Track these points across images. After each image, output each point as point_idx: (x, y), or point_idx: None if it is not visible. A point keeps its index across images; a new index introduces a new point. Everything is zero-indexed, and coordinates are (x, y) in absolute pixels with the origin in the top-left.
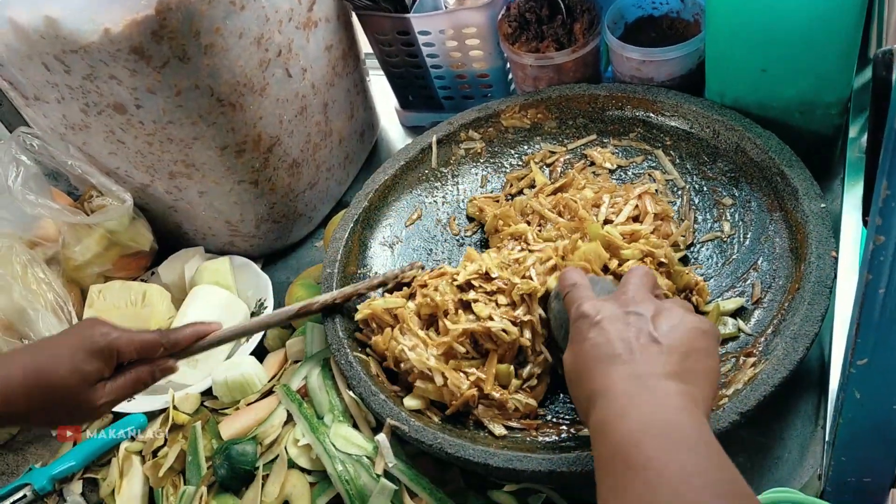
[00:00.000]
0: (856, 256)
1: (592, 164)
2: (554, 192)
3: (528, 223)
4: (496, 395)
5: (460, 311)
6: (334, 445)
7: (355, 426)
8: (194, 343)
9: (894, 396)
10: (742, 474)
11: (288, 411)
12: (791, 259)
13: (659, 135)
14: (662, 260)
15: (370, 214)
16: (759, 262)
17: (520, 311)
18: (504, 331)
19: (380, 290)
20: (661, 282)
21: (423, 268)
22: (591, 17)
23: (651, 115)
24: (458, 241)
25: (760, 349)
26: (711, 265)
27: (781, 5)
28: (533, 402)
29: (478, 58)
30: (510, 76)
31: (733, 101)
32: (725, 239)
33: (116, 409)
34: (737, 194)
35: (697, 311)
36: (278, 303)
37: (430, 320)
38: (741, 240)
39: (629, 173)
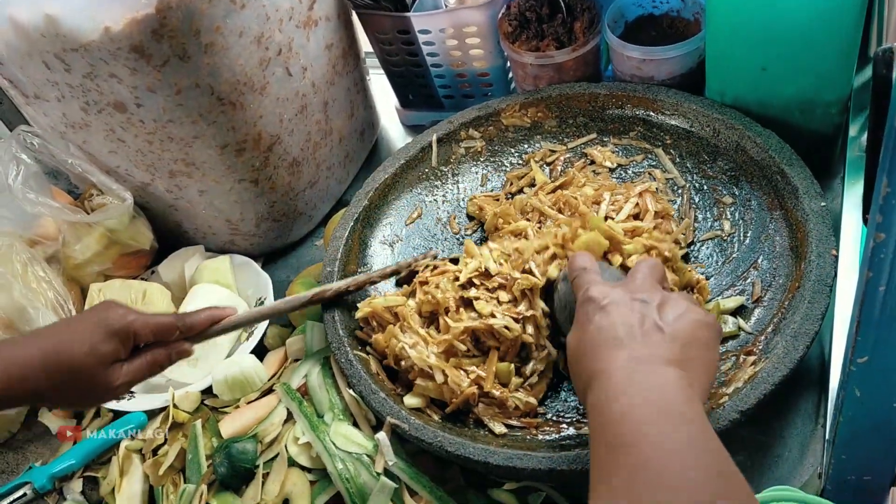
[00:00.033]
0: (856, 255)
1: (592, 162)
2: (554, 191)
3: (529, 220)
4: (496, 393)
5: (461, 309)
6: (334, 444)
7: (355, 424)
8: (209, 327)
9: (894, 395)
10: (742, 473)
11: (288, 409)
12: (791, 257)
13: (659, 133)
14: (666, 255)
15: (370, 213)
16: (760, 260)
17: (522, 307)
18: (506, 328)
19: (392, 279)
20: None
21: (435, 257)
22: (591, 16)
23: (651, 113)
24: (458, 239)
25: (761, 347)
26: (712, 264)
27: (781, 4)
28: (533, 400)
29: (478, 56)
30: (510, 75)
31: (733, 100)
32: (726, 237)
33: (116, 407)
34: (737, 193)
35: None
36: None
37: (431, 318)
38: (741, 238)
39: (629, 172)
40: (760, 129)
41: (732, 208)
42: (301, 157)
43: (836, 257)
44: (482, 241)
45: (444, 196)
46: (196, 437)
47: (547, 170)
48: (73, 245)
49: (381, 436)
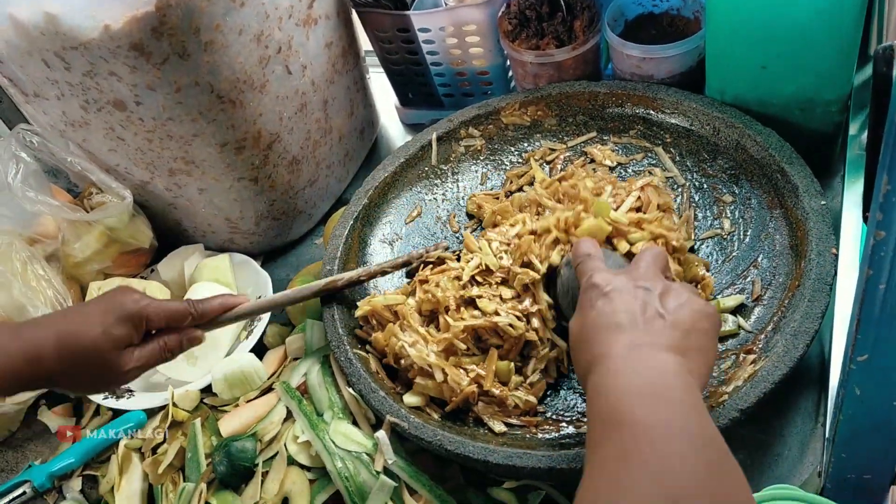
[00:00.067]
0: (856, 254)
1: (592, 161)
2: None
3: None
4: (496, 391)
5: (463, 308)
6: (334, 442)
7: (355, 423)
8: (222, 314)
9: (895, 393)
10: (742, 471)
11: (287, 408)
12: (791, 256)
13: (659, 132)
14: (674, 244)
15: (370, 212)
16: (760, 259)
17: (527, 303)
18: (511, 325)
19: (403, 271)
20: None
21: (447, 248)
22: (591, 15)
23: (651, 112)
24: (458, 238)
25: (760, 346)
26: (712, 262)
27: (781, 2)
28: (533, 398)
29: (478, 55)
30: (510, 73)
31: (733, 99)
32: (725, 236)
33: (115, 406)
34: (737, 191)
35: None
36: None
37: (431, 316)
38: (741, 237)
39: (629, 171)
40: (760, 127)
41: (732, 207)
42: (301, 156)
43: (836, 256)
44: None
45: (443, 194)
46: (195, 436)
47: (547, 168)
48: (73, 243)
49: (381, 434)
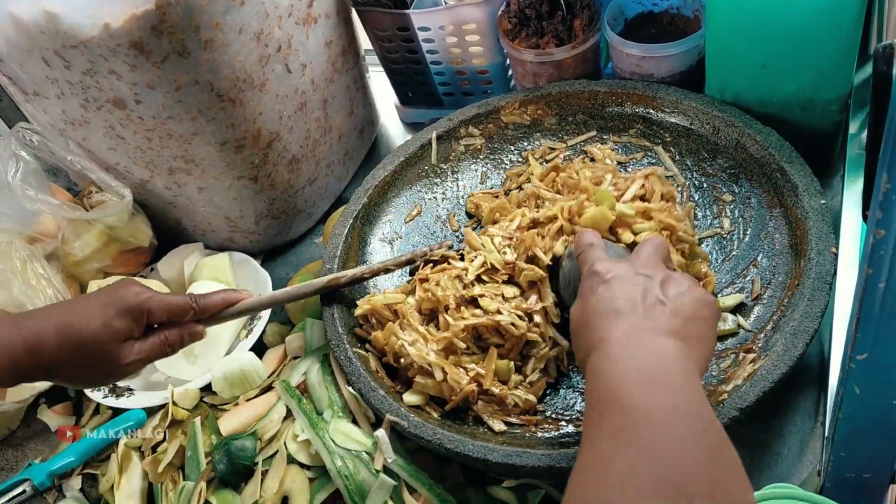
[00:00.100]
0: (856, 253)
1: (592, 160)
2: (547, 173)
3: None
4: (496, 390)
5: (462, 307)
6: (334, 441)
7: (355, 422)
8: (224, 309)
9: (894, 392)
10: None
11: (287, 407)
12: (791, 255)
13: (659, 131)
14: (681, 236)
15: (370, 211)
16: (759, 258)
17: (532, 300)
18: (513, 325)
19: (405, 269)
20: (674, 258)
21: (451, 246)
22: (590, 14)
23: (651, 111)
24: (457, 236)
25: (760, 345)
26: (711, 261)
27: (781, 1)
28: (532, 397)
29: (478, 54)
30: (510, 72)
31: (733, 98)
32: (725, 235)
33: (115, 405)
34: (737, 191)
35: None
36: None
37: (431, 315)
38: (741, 236)
39: (629, 169)
40: (760, 126)
41: (732, 206)
42: (300, 155)
43: (836, 254)
44: None
45: (443, 193)
46: (195, 435)
47: (546, 167)
48: (73, 242)
49: (381, 433)
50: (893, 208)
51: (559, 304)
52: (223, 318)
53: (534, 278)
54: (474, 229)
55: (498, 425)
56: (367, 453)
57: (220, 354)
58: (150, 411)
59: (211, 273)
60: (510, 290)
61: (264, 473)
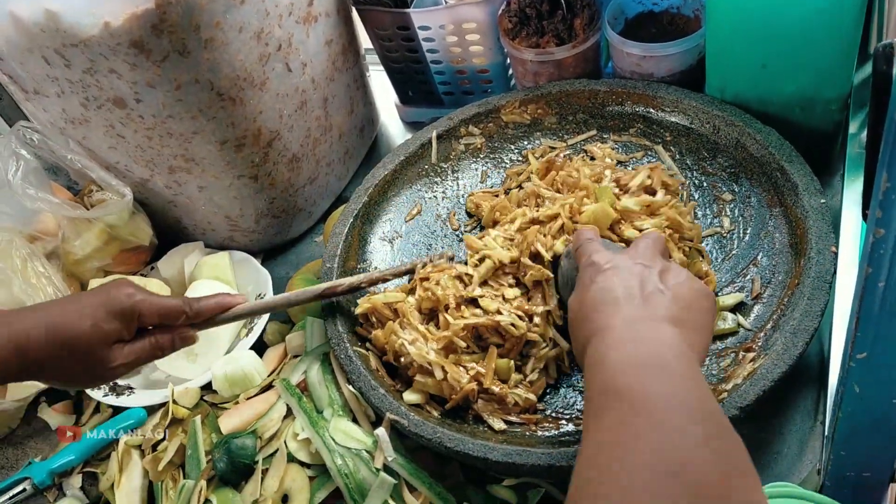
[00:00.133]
0: (855, 252)
1: (592, 159)
2: (546, 171)
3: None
4: (496, 389)
5: (463, 306)
6: (334, 439)
7: (355, 420)
8: (218, 314)
9: (894, 390)
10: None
11: (287, 405)
12: (791, 254)
13: (659, 130)
14: (686, 233)
15: (370, 209)
16: (759, 257)
17: (538, 301)
18: (513, 325)
19: (406, 278)
20: (675, 256)
21: (452, 258)
22: (591, 13)
23: (651, 110)
24: (457, 236)
25: (760, 344)
26: (711, 260)
27: (782, 1)
28: (532, 396)
29: (478, 53)
30: (510, 71)
31: (733, 97)
32: (725, 234)
33: (115, 403)
34: (737, 190)
35: None
36: None
37: (431, 314)
38: (741, 235)
39: (629, 169)
40: (760, 125)
41: (732, 205)
42: (301, 154)
43: (836, 254)
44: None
45: (443, 193)
46: (195, 433)
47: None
48: (73, 241)
49: (381, 432)
50: (893, 207)
51: (560, 306)
52: (217, 322)
53: (539, 278)
54: (474, 229)
55: (498, 424)
56: (367, 452)
57: (220, 353)
58: (151, 410)
59: (211, 272)
60: (511, 292)
61: (264, 472)
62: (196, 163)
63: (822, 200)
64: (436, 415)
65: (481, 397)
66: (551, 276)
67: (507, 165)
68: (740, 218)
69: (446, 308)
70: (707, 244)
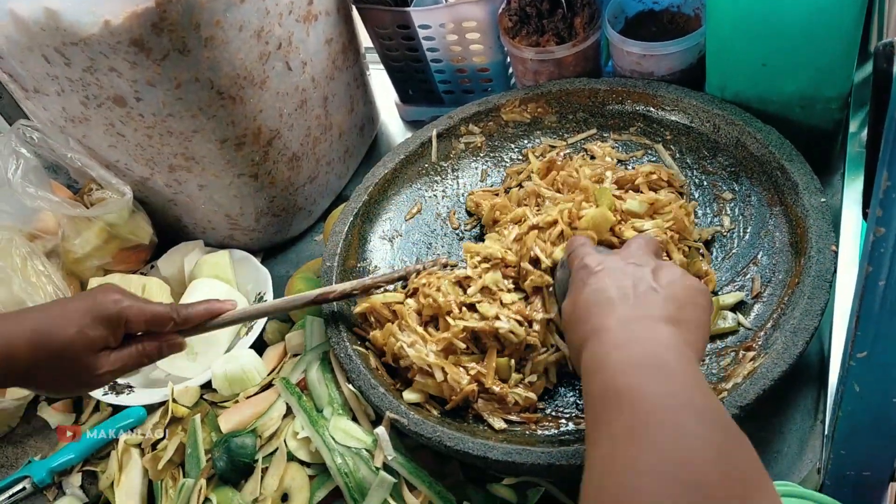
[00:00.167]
0: (856, 251)
1: (593, 158)
2: (547, 170)
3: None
4: (496, 389)
5: (464, 310)
6: (333, 438)
7: (354, 419)
8: (207, 321)
9: (894, 389)
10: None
11: (287, 404)
12: (791, 253)
13: (659, 129)
14: (688, 234)
15: (370, 208)
16: (759, 256)
17: (537, 307)
18: (512, 332)
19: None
20: (675, 257)
21: (446, 265)
22: (591, 12)
23: (651, 109)
24: (457, 235)
25: (760, 343)
26: (711, 259)
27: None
28: (533, 395)
29: (478, 52)
30: (510, 70)
31: (734, 96)
32: (725, 233)
33: (115, 402)
34: (737, 189)
35: None
36: (278, 297)
37: (430, 317)
38: (741, 234)
39: (629, 168)
40: (760, 124)
41: (732, 204)
42: (301, 152)
43: (836, 253)
44: (480, 237)
45: (443, 191)
46: (195, 432)
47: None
48: (73, 239)
49: (381, 430)
50: (893, 206)
51: (560, 314)
52: (206, 328)
53: (539, 284)
54: (474, 227)
55: (498, 423)
56: (366, 451)
57: (220, 352)
58: (151, 408)
59: (211, 271)
60: (509, 296)
61: (264, 471)
62: (196, 161)
63: (823, 199)
64: (436, 413)
65: (481, 397)
66: (551, 281)
67: (508, 164)
68: (740, 217)
69: (448, 312)
70: (707, 243)
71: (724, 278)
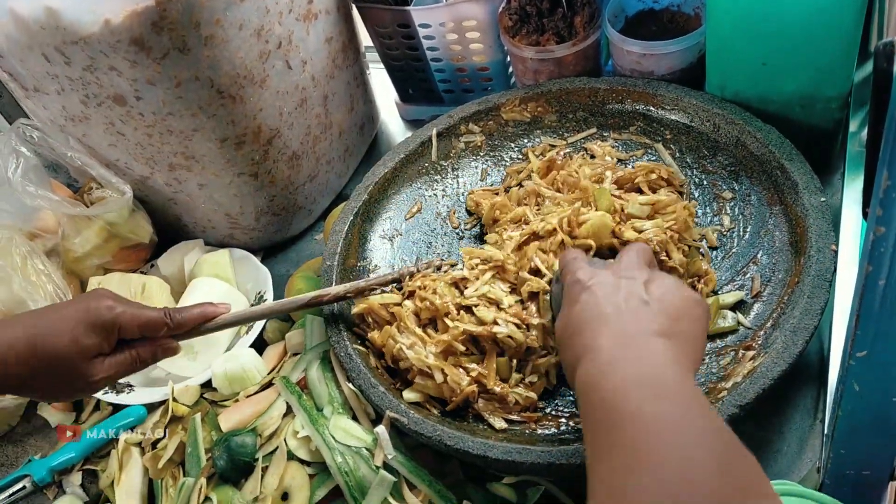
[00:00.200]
0: (855, 250)
1: (592, 157)
2: (547, 170)
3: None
4: (497, 389)
5: (462, 313)
6: (334, 437)
7: (355, 418)
8: (200, 325)
9: (893, 389)
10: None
11: (287, 403)
12: (791, 253)
13: (659, 128)
14: (689, 235)
15: (370, 207)
16: (759, 255)
17: (533, 312)
18: (510, 337)
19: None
20: (675, 256)
21: (439, 268)
22: (591, 11)
23: (651, 108)
24: (457, 234)
25: (760, 342)
26: (711, 259)
27: None
28: (533, 395)
29: (478, 51)
30: (510, 69)
31: (734, 95)
32: (725, 233)
33: (115, 401)
34: (737, 188)
35: None
36: (278, 296)
37: (429, 318)
38: (741, 233)
39: (629, 167)
40: (760, 124)
41: (732, 203)
42: (301, 151)
43: (836, 252)
44: (481, 235)
45: (443, 190)
46: (195, 431)
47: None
48: (73, 238)
49: (381, 429)
50: (893, 206)
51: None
52: (200, 332)
53: (536, 289)
54: (474, 226)
55: (498, 423)
56: (367, 450)
57: (220, 351)
58: (151, 407)
59: (211, 270)
60: (507, 299)
61: (264, 470)
62: (196, 160)
63: (823, 199)
64: (436, 413)
65: (482, 397)
66: (548, 287)
67: (508, 163)
68: (740, 216)
69: (446, 314)
70: (706, 243)
71: (724, 277)
